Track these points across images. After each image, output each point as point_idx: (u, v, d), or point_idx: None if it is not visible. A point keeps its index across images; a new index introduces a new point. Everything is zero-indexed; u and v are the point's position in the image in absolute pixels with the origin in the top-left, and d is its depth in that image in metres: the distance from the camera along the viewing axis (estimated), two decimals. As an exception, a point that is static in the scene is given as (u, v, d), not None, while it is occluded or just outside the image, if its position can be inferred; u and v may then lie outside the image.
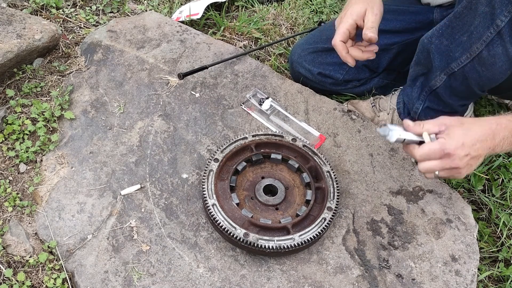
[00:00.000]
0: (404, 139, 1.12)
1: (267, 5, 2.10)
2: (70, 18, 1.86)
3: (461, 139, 1.10)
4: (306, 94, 1.61)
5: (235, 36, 1.93)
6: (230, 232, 1.17)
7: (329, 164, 1.32)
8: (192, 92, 1.56)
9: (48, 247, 1.23)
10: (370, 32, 1.26)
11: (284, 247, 1.16)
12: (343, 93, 1.74)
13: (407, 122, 1.15)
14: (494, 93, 1.71)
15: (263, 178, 1.33)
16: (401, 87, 1.61)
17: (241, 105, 1.54)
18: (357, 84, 1.71)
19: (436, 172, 1.13)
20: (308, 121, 1.53)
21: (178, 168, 1.38)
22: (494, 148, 1.13)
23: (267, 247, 1.15)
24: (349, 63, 1.33)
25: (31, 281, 1.19)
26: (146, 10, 1.97)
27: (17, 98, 1.50)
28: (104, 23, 1.86)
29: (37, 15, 1.83)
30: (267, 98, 1.54)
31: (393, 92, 1.64)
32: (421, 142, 1.14)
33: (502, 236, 1.47)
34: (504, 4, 1.14)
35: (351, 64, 1.34)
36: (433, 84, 1.42)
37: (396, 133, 1.11)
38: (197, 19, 1.90)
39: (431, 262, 1.25)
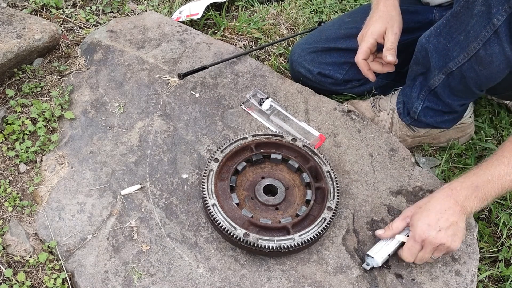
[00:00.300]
0: (389, 254, 1.21)
1: (267, 5, 2.10)
2: (70, 18, 1.86)
3: (424, 222, 1.15)
4: (306, 94, 1.61)
5: (235, 36, 1.93)
6: (230, 232, 1.17)
7: (329, 164, 1.32)
8: (192, 92, 1.56)
9: (48, 247, 1.23)
10: (390, 55, 1.32)
11: (284, 247, 1.16)
12: (343, 93, 1.74)
13: (379, 232, 1.24)
14: (493, 94, 1.71)
15: (263, 178, 1.33)
16: (401, 87, 1.61)
17: (241, 105, 1.54)
18: (356, 84, 1.71)
19: (432, 256, 1.19)
20: (308, 121, 1.53)
21: (178, 168, 1.38)
22: (464, 209, 1.16)
23: (267, 247, 1.15)
24: (370, 78, 1.42)
25: (31, 281, 1.19)
26: (146, 10, 1.97)
27: (17, 98, 1.50)
28: (104, 23, 1.86)
29: (37, 15, 1.83)
30: (267, 98, 1.54)
31: (393, 92, 1.64)
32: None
33: (502, 236, 1.47)
34: (500, 3, 1.14)
35: (372, 80, 1.43)
36: (431, 83, 1.42)
37: (379, 257, 1.20)
38: (197, 19, 1.90)
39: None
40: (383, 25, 1.36)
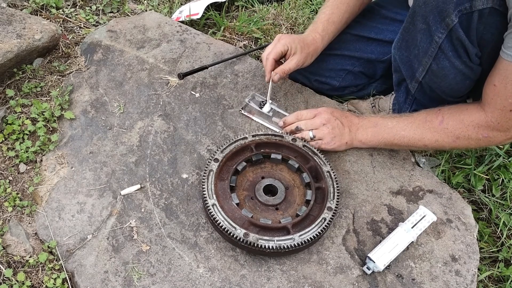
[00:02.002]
0: (390, 265, 1.23)
1: (267, 5, 2.10)
2: (70, 18, 1.86)
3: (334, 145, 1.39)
4: (306, 94, 1.61)
5: (235, 36, 1.93)
6: (230, 232, 1.16)
7: (329, 164, 1.32)
8: (192, 92, 1.56)
9: (48, 247, 1.23)
10: (278, 75, 1.39)
11: (284, 247, 1.16)
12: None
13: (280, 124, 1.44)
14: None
15: (263, 178, 1.33)
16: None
17: (240, 110, 1.53)
18: (354, 90, 1.71)
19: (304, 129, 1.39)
20: (308, 121, 1.53)
21: (178, 168, 1.38)
22: (355, 134, 1.41)
23: (267, 247, 1.15)
24: (267, 78, 1.43)
25: (31, 281, 1.19)
26: (146, 10, 1.97)
27: (17, 98, 1.50)
28: (104, 23, 1.86)
29: (37, 15, 1.83)
30: (266, 100, 1.53)
31: (393, 93, 1.64)
32: None
33: (502, 236, 1.47)
34: (437, 22, 1.14)
35: (267, 80, 1.44)
36: (411, 90, 1.44)
37: (381, 263, 1.20)
38: (197, 19, 1.90)
39: (431, 262, 1.25)
40: (298, 44, 1.39)
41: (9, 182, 1.35)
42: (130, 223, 1.26)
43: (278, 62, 1.43)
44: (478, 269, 1.29)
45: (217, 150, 1.32)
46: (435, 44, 1.19)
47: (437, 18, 1.14)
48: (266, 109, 1.51)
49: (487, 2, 1.06)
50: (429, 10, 1.15)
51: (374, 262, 1.19)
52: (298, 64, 1.41)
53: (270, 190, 1.31)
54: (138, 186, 1.33)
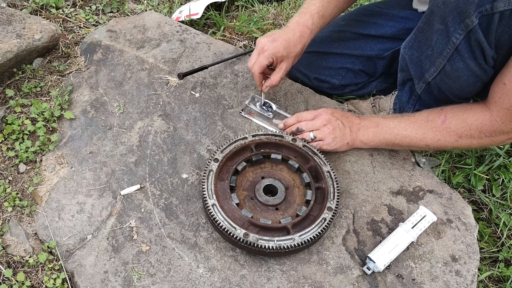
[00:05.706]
0: (390, 265, 1.23)
1: (267, 5, 2.10)
2: (69, 18, 1.86)
3: (335, 144, 1.38)
4: (306, 94, 1.61)
5: (235, 36, 1.93)
6: (230, 232, 1.16)
7: (329, 164, 1.32)
8: (192, 92, 1.56)
9: (48, 247, 1.23)
10: (267, 88, 1.41)
11: (284, 247, 1.16)
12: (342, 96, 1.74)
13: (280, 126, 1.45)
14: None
15: (263, 178, 1.33)
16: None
17: (240, 112, 1.52)
18: (354, 89, 1.71)
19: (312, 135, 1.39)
20: (308, 121, 1.52)
21: (178, 168, 1.38)
22: (356, 135, 1.41)
23: (267, 247, 1.15)
24: (259, 89, 1.44)
25: (30, 281, 1.19)
26: (146, 10, 1.97)
27: (16, 98, 1.50)
28: (104, 23, 1.86)
29: (36, 15, 1.83)
30: (266, 102, 1.53)
31: (394, 92, 1.63)
32: None
33: (503, 236, 1.47)
34: (456, 23, 1.13)
35: (259, 90, 1.45)
36: (417, 90, 1.43)
37: (381, 263, 1.19)
38: (197, 19, 1.90)
39: (431, 262, 1.25)
40: (282, 51, 1.35)
41: (9, 182, 1.35)
42: (130, 223, 1.26)
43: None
44: (478, 269, 1.29)
45: (217, 150, 1.32)
46: (452, 45, 1.18)
47: (456, 18, 1.13)
48: (265, 110, 1.51)
49: (508, 4, 1.04)
50: (448, 10, 1.14)
51: (374, 262, 1.19)
52: (287, 71, 1.39)
53: (270, 190, 1.31)
54: (138, 186, 1.33)
